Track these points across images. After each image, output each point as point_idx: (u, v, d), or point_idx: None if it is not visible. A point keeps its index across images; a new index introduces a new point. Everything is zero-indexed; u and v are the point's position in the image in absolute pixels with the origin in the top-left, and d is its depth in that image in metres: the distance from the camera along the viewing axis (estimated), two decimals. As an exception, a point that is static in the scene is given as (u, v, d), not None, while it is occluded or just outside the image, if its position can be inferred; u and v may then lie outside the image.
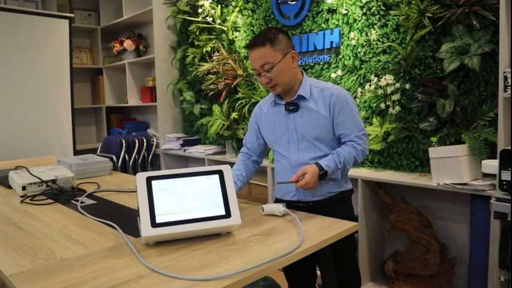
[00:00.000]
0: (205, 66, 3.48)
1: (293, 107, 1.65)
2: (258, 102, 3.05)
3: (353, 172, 2.40)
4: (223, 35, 3.44)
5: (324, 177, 1.57)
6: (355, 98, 2.57)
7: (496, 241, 1.82)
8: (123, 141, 3.86)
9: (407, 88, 2.33)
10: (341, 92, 1.64)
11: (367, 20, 2.51)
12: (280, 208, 1.44)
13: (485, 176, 2.04)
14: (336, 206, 1.68)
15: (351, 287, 1.76)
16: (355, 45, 2.58)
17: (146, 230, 1.12)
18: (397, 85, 2.37)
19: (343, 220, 1.41)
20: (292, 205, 1.65)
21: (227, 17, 3.40)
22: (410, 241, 2.32)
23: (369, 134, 2.21)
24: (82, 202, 1.67)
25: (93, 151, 3.99)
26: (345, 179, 1.73)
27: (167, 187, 1.20)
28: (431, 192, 2.34)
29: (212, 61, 3.44)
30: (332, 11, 2.70)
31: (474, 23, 2.04)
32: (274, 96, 1.71)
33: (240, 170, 1.76)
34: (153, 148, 4.07)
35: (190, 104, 3.80)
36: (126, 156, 3.86)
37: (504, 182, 1.72)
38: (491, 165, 1.84)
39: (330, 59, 2.74)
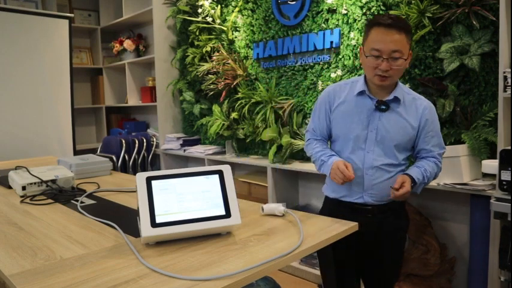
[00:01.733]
0: (205, 66, 3.48)
1: (385, 106, 1.54)
2: (257, 102, 3.09)
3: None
4: (223, 35, 3.44)
5: (412, 188, 1.52)
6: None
7: (496, 241, 1.82)
8: (123, 141, 3.86)
9: (407, 88, 2.33)
10: (432, 106, 1.60)
11: (367, 20, 2.51)
12: (280, 208, 1.43)
13: (485, 176, 2.04)
14: (397, 210, 1.64)
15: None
16: (355, 45, 2.58)
17: (146, 230, 1.12)
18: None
19: (342, 220, 1.41)
20: (353, 208, 1.59)
21: (227, 17, 3.40)
22: (410, 241, 2.32)
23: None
24: (82, 202, 1.67)
25: (93, 151, 3.99)
26: None
27: (167, 187, 1.20)
28: (431, 192, 2.34)
29: (212, 61, 3.44)
30: (332, 11, 2.70)
31: (474, 23, 2.04)
32: (364, 86, 1.58)
33: (326, 146, 1.66)
34: (153, 148, 4.07)
35: (190, 104, 3.80)
36: (126, 156, 3.86)
37: (504, 182, 1.72)
38: (491, 165, 1.84)
39: (329, 59, 2.74)
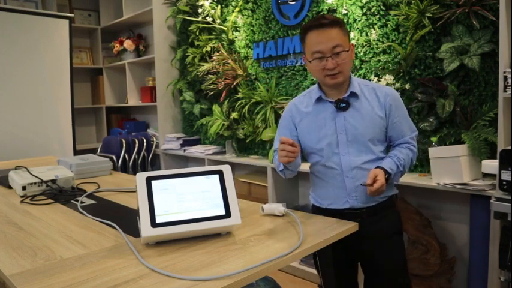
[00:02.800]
0: (205, 66, 3.48)
1: (344, 104, 1.50)
2: (257, 102, 3.09)
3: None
4: (223, 35, 3.44)
5: (387, 181, 1.46)
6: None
7: (496, 241, 1.82)
8: (123, 141, 3.86)
9: (407, 88, 2.33)
10: (394, 92, 1.56)
11: (367, 20, 2.51)
12: (280, 208, 1.43)
13: (485, 176, 2.04)
14: (387, 210, 1.58)
15: None
16: (355, 45, 2.58)
17: (146, 230, 1.12)
18: (397, 85, 2.37)
19: (343, 220, 1.41)
20: (343, 214, 1.51)
21: (227, 17, 3.40)
22: (410, 241, 2.32)
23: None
24: (82, 202, 1.67)
25: (93, 151, 3.99)
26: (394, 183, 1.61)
27: (167, 187, 1.20)
28: (431, 192, 2.34)
29: (212, 61, 3.44)
30: (332, 11, 2.70)
31: (474, 23, 2.04)
32: (319, 92, 1.56)
33: None
34: (153, 148, 4.07)
35: (190, 104, 3.80)
36: (126, 156, 3.86)
37: (504, 182, 1.72)
38: (491, 165, 1.84)
39: (330, 59, 2.73)
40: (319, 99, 1.56)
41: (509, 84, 1.80)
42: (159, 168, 4.07)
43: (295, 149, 1.40)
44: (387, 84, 2.36)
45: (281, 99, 2.99)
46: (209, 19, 3.48)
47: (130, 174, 3.61)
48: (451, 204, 2.29)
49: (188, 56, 3.71)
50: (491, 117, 2.02)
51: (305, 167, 2.72)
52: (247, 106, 3.16)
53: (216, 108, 3.41)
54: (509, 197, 1.67)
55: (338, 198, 1.55)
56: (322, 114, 1.55)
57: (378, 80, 2.42)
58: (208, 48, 3.52)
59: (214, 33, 3.51)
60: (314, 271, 2.70)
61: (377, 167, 1.47)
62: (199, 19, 3.55)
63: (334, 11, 2.68)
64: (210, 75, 3.47)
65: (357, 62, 2.58)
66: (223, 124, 3.33)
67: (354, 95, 1.52)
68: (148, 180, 1.19)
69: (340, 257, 1.58)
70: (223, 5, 3.44)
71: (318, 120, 1.55)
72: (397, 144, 1.57)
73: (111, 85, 4.74)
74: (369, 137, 1.50)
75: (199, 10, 3.51)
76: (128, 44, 4.30)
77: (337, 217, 1.42)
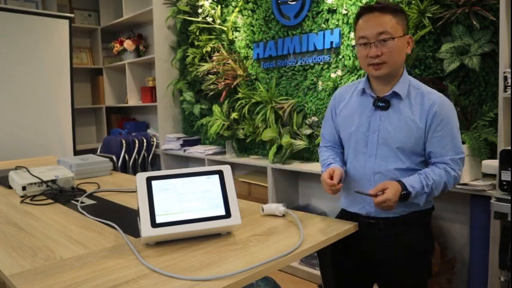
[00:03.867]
0: (205, 66, 3.48)
1: (383, 103, 1.37)
2: (258, 102, 3.09)
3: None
4: (223, 35, 3.44)
5: (406, 199, 1.29)
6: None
7: (496, 241, 1.82)
8: (123, 142, 3.86)
9: (407, 88, 2.33)
10: (445, 102, 1.37)
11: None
12: (280, 208, 1.43)
13: (485, 176, 2.03)
14: (412, 225, 1.41)
15: None
16: (355, 45, 2.58)
17: (146, 230, 1.12)
18: (397, 85, 2.36)
19: (342, 220, 1.41)
20: (356, 219, 1.42)
21: (227, 17, 3.40)
22: (410, 241, 2.32)
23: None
24: (82, 202, 1.67)
25: (93, 151, 3.99)
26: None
27: (167, 187, 1.20)
28: (431, 192, 2.33)
29: (212, 61, 3.44)
30: (332, 11, 2.70)
31: (474, 23, 2.04)
32: (365, 83, 1.45)
33: (330, 153, 1.52)
34: (153, 148, 4.07)
35: (190, 104, 3.80)
36: (126, 157, 3.86)
37: (504, 182, 1.72)
38: (491, 165, 1.84)
39: (330, 59, 2.74)
40: (363, 91, 1.46)
41: (509, 84, 1.80)
42: (159, 169, 4.07)
43: (338, 186, 1.36)
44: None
45: (281, 100, 2.99)
46: (209, 19, 3.48)
47: (131, 174, 3.62)
48: (451, 204, 2.28)
49: (188, 56, 3.71)
50: (491, 118, 2.02)
51: (305, 167, 2.74)
52: (247, 106, 3.16)
53: (216, 108, 3.41)
54: (509, 197, 1.67)
55: (355, 201, 1.45)
56: (361, 108, 1.44)
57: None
58: (208, 49, 3.52)
59: (214, 33, 3.51)
60: (314, 271, 2.70)
61: (397, 181, 1.31)
62: (199, 19, 3.55)
63: (335, 11, 2.68)
64: (210, 76, 3.47)
65: (357, 62, 2.58)
66: (223, 124, 3.33)
67: (396, 95, 1.38)
68: (149, 180, 1.19)
69: (354, 268, 1.51)
70: (223, 5, 3.44)
71: (355, 113, 1.45)
72: (433, 162, 1.38)
73: (111, 85, 4.74)
74: (399, 144, 1.36)
75: (199, 10, 3.51)
76: (128, 44, 4.30)
77: (354, 221, 1.36)
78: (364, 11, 1.37)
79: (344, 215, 1.51)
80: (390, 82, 1.40)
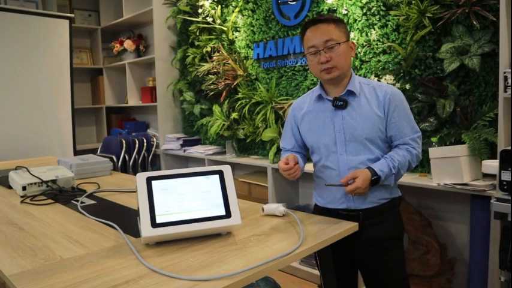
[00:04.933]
0: (206, 66, 3.48)
1: (341, 102, 1.49)
2: (258, 102, 3.09)
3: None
4: (224, 35, 3.44)
5: (376, 183, 1.44)
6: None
7: (496, 241, 1.82)
8: (123, 142, 3.86)
9: (407, 88, 2.33)
10: (395, 90, 1.52)
11: (367, 20, 2.51)
12: (280, 208, 1.43)
13: (486, 176, 2.04)
14: (386, 214, 1.54)
15: None
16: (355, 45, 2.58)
17: (146, 230, 1.12)
18: (397, 85, 2.37)
19: (343, 220, 1.41)
20: (338, 214, 1.51)
21: (227, 17, 3.40)
22: (411, 241, 2.32)
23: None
24: (82, 202, 1.67)
25: (93, 151, 3.99)
26: (396, 185, 1.57)
27: (167, 187, 1.20)
28: (431, 192, 2.34)
29: (212, 61, 3.44)
30: (332, 11, 2.70)
31: (474, 23, 2.04)
32: (320, 90, 1.57)
33: (289, 153, 1.60)
34: (153, 148, 4.07)
35: (191, 104, 3.80)
36: (126, 157, 3.86)
37: (504, 182, 1.72)
38: (491, 165, 1.84)
39: (330, 59, 2.73)
40: (319, 98, 1.57)
41: (510, 84, 1.80)
42: (159, 169, 4.07)
43: (295, 168, 1.46)
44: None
45: (281, 100, 2.99)
46: (209, 19, 3.48)
47: (131, 174, 3.62)
48: (451, 205, 2.29)
49: (188, 56, 3.71)
50: (491, 118, 2.02)
51: (305, 167, 2.73)
52: (247, 106, 3.16)
53: (216, 108, 3.41)
54: (510, 197, 1.67)
55: (335, 198, 1.54)
56: (321, 113, 1.55)
57: (378, 80, 2.42)
58: (209, 49, 3.52)
59: (214, 33, 3.51)
60: (314, 271, 2.70)
61: (367, 167, 1.44)
62: (200, 19, 3.55)
63: (335, 11, 2.68)
64: (210, 76, 3.47)
65: (357, 62, 2.58)
66: (224, 124, 3.33)
67: (352, 93, 1.51)
68: (149, 180, 1.19)
69: (339, 260, 1.57)
70: (223, 5, 3.44)
71: (317, 118, 1.56)
72: (396, 145, 1.53)
73: (111, 85, 4.74)
74: (367, 136, 1.48)
75: (200, 10, 3.51)
76: (128, 44, 4.30)
77: (333, 217, 1.42)
78: (310, 23, 1.52)
79: (323, 212, 1.56)
80: (342, 83, 1.53)
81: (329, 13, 2.70)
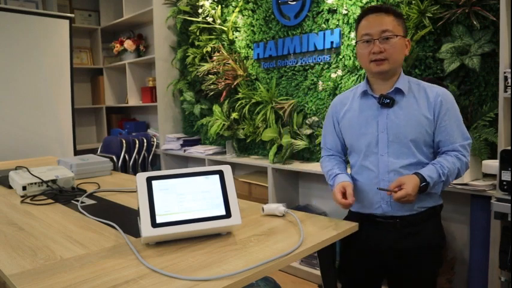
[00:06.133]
0: (206, 66, 3.48)
1: (388, 100, 1.40)
2: (258, 102, 3.09)
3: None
4: (224, 35, 3.44)
5: (424, 190, 1.33)
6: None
7: (496, 241, 1.82)
8: (124, 142, 3.86)
9: (407, 88, 2.33)
10: (446, 92, 1.43)
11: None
12: (280, 208, 1.43)
13: (486, 176, 2.03)
14: (426, 222, 1.44)
15: None
16: (355, 45, 2.58)
17: (146, 230, 1.12)
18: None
19: (343, 220, 1.41)
20: (374, 220, 1.44)
21: (227, 17, 3.40)
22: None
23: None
24: (82, 202, 1.67)
25: (93, 151, 3.99)
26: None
27: (167, 187, 1.20)
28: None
29: (212, 61, 3.44)
30: (332, 11, 2.70)
31: (474, 23, 2.04)
32: (365, 86, 1.48)
33: (334, 163, 1.54)
34: (153, 148, 4.07)
35: (191, 104, 3.80)
36: (127, 157, 3.86)
37: (504, 182, 1.72)
38: (491, 165, 1.84)
39: (330, 59, 2.74)
40: (364, 94, 1.48)
41: (510, 84, 1.80)
42: (159, 169, 4.07)
43: (346, 203, 1.38)
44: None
45: (281, 100, 2.99)
46: (209, 19, 3.48)
47: (131, 174, 3.62)
48: (451, 205, 2.28)
49: (188, 56, 3.71)
50: (491, 118, 2.02)
51: (306, 167, 2.73)
52: (247, 106, 3.16)
53: (216, 108, 3.41)
54: (510, 198, 1.67)
55: (371, 202, 1.45)
56: (365, 111, 1.46)
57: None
58: (209, 49, 3.52)
59: (214, 33, 3.51)
60: (314, 271, 2.70)
61: (414, 173, 1.35)
62: (200, 19, 3.55)
63: (335, 11, 2.68)
64: (210, 76, 3.47)
65: (357, 62, 2.58)
66: (224, 124, 3.33)
67: (399, 91, 1.42)
68: (149, 180, 1.19)
69: (366, 266, 1.51)
70: (223, 5, 3.44)
71: (360, 116, 1.47)
72: (444, 151, 1.42)
73: (112, 85, 4.74)
74: (412, 138, 1.39)
75: (200, 10, 3.51)
76: (128, 44, 4.31)
77: (370, 225, 1.39)
78: (369, 11, 1.43)
79: (354, 217, 1.49)
80: (390, 80, 1.44)
81: (328, 13, 2.70)
